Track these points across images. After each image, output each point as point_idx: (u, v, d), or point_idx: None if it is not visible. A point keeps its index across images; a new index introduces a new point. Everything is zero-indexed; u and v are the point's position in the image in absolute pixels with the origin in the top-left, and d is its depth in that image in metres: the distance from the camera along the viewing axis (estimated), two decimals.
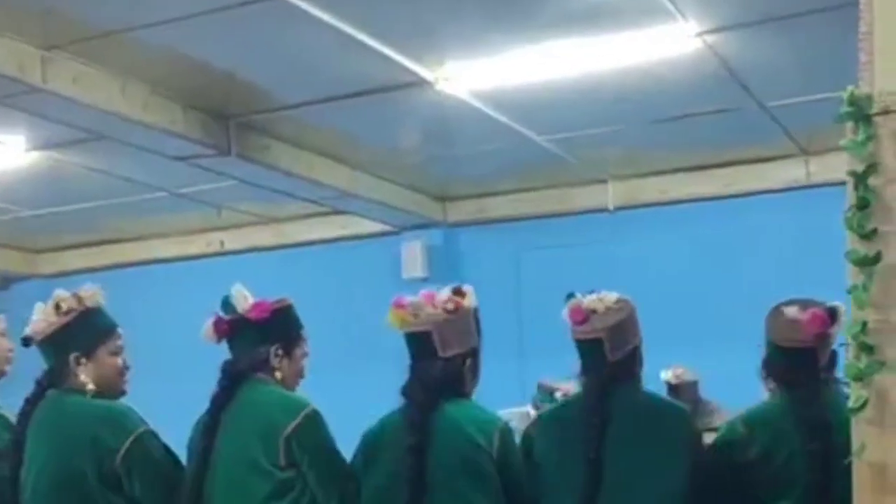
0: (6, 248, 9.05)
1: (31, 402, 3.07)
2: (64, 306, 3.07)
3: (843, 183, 7.95)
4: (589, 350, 3.05)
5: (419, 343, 3.01)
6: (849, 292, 2.29)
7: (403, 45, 5.17)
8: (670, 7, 4.77)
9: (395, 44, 5.14)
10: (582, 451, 2.89)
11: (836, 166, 7.30)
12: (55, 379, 3.08)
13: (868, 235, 2.26)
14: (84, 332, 3.09)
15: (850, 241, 2.30)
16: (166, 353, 8.32)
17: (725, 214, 7.30)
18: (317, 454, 2.99)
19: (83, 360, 3.06)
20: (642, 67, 5.41)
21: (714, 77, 5.58)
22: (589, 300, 3.06)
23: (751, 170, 7.26)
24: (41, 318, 3.07)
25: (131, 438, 2.95)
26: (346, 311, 7.58)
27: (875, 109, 2.30)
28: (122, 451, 2.94)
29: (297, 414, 2.97)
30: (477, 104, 5.94)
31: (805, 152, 7.04)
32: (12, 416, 3.19)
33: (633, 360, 3.10)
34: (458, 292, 3.04)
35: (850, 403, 2.24)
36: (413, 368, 3.03)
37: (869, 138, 2.28)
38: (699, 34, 5.04)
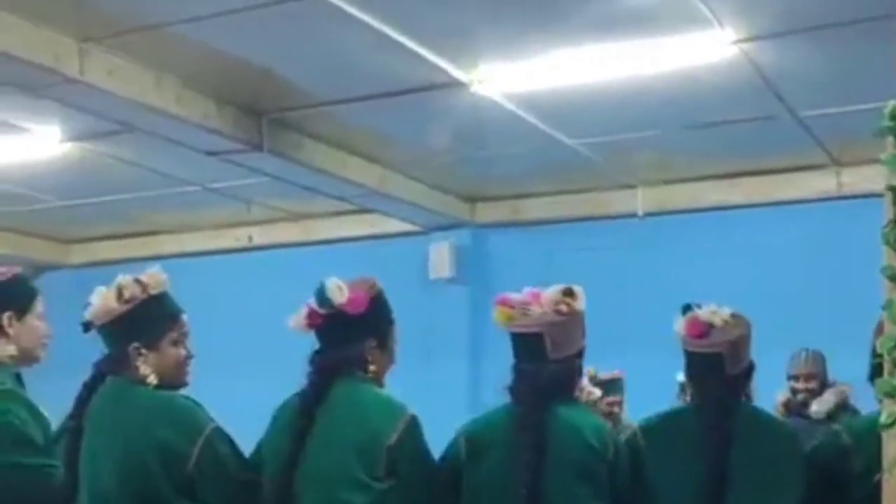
0: (37, 237, 9.12)
1: (89, 388, 2.93)
2: (126, 294, 2.92)
3: (874, 195, 7.89)
4: (705, 364, 3.01)
5: (528, 343, 2.95)
6: (884, 308, 2.26)
7: (439, 45, 5.18)
8: (708, 14, 4.75)
9: (431, 44, 5.15)
10: (702, 468, 2.84)
11: (869, 178, 7.34)
12: (115, 366, 2.93)
13: None
14: (146, 321, 2.93)
15: (887, 257, 2.27)
16: (197, 344, 8.38)
17: (755, 223, 7.26)
18: (416, 464, 2.89)
19: (144, 351, 2.91)
20: (677, 73, 5.39)
21: (748, 85, 5.55)
22: (705, 313, 3.04)
23: (781, 179, 7.22)
24: (101, 304, 2.92)
25: (201, 442, 2.79)
26: None
27: None
28: (194, 458, 2.79)
29: (399, 421, 2.86)
30: (510, 106, 5.93)
31: (837, 163, 6.99)
32: (41, 404, 3.10)
33: (746, 377, 3.09)
34: (568, 293, 2.97)
35: (882, 419, 2.21)
36: (520, 369, 2.97)
37: None
38: (736, 42, 5.02)
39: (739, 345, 3.01)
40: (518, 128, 6.27)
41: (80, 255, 9.26)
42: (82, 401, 2.91)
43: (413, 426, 2.87)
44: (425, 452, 2.96)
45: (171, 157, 6.69)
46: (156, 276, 3.00)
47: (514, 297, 2.99)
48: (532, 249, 7.82)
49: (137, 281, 2.96)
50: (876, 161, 7.53)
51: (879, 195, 7.58)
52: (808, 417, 5.43)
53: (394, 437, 2.82)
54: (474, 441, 2.99)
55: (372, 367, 2.96)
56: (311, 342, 3.04)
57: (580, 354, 3.03)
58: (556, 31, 5.00)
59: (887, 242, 2.24)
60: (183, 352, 3.02)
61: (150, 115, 5.58)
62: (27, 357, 3.10)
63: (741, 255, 7.17)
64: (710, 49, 5.10)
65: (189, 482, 2.79)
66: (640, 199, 7.56)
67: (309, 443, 2.85)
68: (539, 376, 2.90)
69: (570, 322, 2.94)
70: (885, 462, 2.21)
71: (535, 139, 6.50)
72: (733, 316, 3.05)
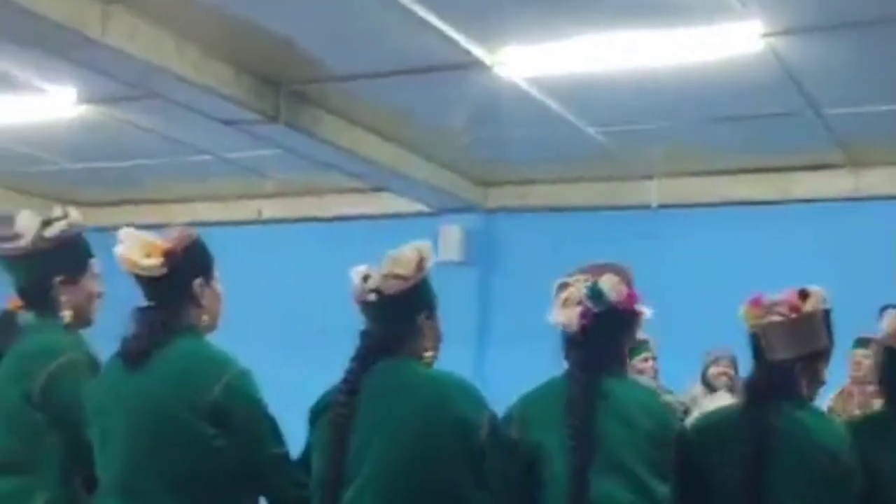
0: (47, 198, 9.05)
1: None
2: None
3: (891, 197, 7.85)
4: None
5: (751, 344, 2.87)
6: None
7: (465, 25, 5.12)
8: (737, 5, 4.70)
9: (457, 23, 5.09)
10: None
11: (887, 180, 7.28)
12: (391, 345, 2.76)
13: None
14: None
15: None
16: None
17: (768, 220, 7.23)
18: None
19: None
20: (702, 65, 5.35)
21: (773, 80, 5.51)
22: None
23: (798, 177, 7.20)
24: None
25: (488, 415, 2.68)
26: None
27: None
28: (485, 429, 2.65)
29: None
30: (531, 90, 5.88)
31: (855, 163, 6.96)
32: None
33: None
34: (803, 295, 2.84)
35: None
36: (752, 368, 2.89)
37: None
38: (764, 35, 4.97)
39: None
40: (537, 112, 6.22)
41: (89, 219, 9.14)
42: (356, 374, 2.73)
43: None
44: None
45: (187, 124, 6.64)
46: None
47: (768, 297, 2.88)
48: (542, 236, 7.79)
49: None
50: (894, 163, 7.51)
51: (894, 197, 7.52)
52: None
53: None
54: (707, 434, 2.91)
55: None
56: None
57: (813, 357, 2.86)
58: (582, 16, 4.95)
59: None
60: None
61: (169, 81, 5.53)
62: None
63: (753, 251, 7.13)
64: (737, 41, 5.05)
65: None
66: (655, 191, 7.52)
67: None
68: (755, 377, 2.85)
69: (792, 323, 2.82)
70: None
71: (553, 125, 6.45)
72: None
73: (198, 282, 2.78)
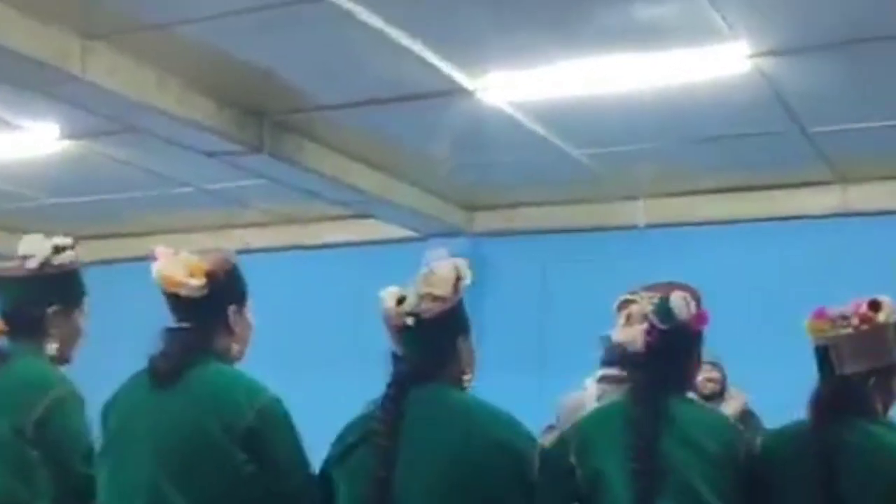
0: (24, 233, 8.97)
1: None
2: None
3: (880, 213, 7.85)
4: None
5: (818, 357, 2.76)
6: None
7: (446, 51, 5.09)
8: (724, 27, 4.68)
9: (438, 50, 5.06)
10: None
11: (874, 196, 7.28)
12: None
13: None
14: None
15: None
16: None
17: (757, 238, 7.20)
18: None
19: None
20: (688, 87, 5.33)
21: (759, 100, 5.49)
22: None
23: (785, 195, 7.17)
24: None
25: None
26: (366, 315, 7.50)
27: None
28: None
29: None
30: (515, 115, 5.85)
31: (843, 180, 6.95)
32: None
33: None
34: (874, 306, 2.74)
35: None
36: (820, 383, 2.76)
37: None
38: (751, 56, 4.95)
39: None
40: (522, 137, 6.19)
41: None
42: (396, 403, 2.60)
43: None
44: None
45: (168, 157, 6.59)
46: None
47: (834, 310, 2.80)
48: (530, 259, 7.75)
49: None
50: (882, 178, 7.55)
51: (885, 213, 7.57)
52: None
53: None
54: (773, 456, 2.78)
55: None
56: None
57: (887, 371, 2.76)
58: (566, 40, 4.92)
59: None
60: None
61: (152, 115, 5.48)
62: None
63: (742, 269, 7.11)
64: (723, 62, 5.03)
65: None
66: (642, 211, 7.50)
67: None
68: (823, 392, 2.72)
69: (863, 335, 2.72)
70: None
71: (538, 149, 6.42)
72: None
73: (233, 308, 2.72)
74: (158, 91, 5.37)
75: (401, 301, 2.60)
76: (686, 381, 2.82)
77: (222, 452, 2.53)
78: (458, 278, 2.64)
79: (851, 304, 2.76)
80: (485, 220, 8.12)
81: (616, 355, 5.35)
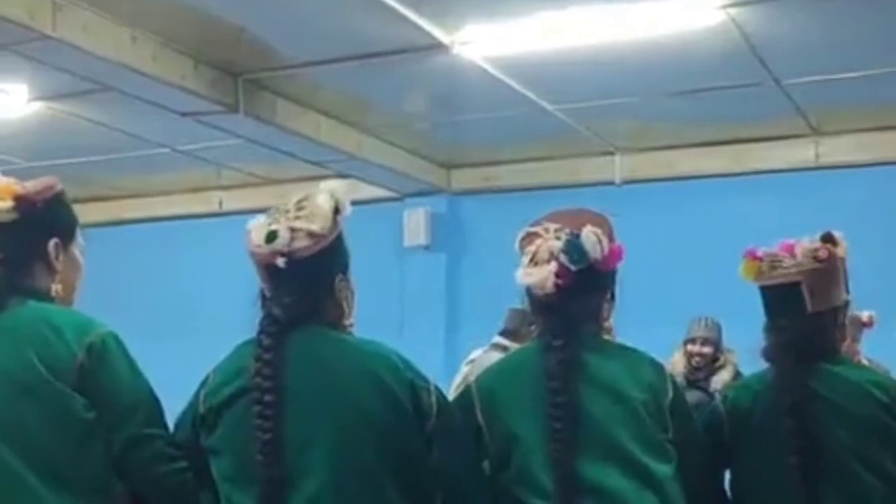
0: None
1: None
2: None
3: (852, 166, 7.90)
4: None
5: (783, 297, 2.60)
6: None
7: (421, 5, 5.05)
8: None
9: (412, 4, 5.02)
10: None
11: (847, 149, 7.31)
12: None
13: None
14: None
15: None
16: (163, 311, 8.25)
17: (732, 192, 7.24)
18: None
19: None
20: (663, 39, 5.32)
21: (733, 51, 5.49)
22: None
23: (760, 148, 7.20)
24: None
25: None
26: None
27: None
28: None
29: None
30: (492, 70, 5.83)
31: (816, 133, 6.97)
32: None
33: None
34: (828, 239, 2.63)
35: None
36: (774, 327, 2.61)
37: None
38: (724, 6, 4.95)
39: None
40: (499, 92, 6.18)
41: None
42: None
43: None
44: None
45: (143, 118, 6.53)
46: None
47: (764, 249, 2.66)
48: (508, 217, 7.68)
49: None
50: (854, 131, 7.59)
51: (857, 166, 7.62)
52: (707, 391, 5.63)
53: None
54: (738, 412, 2.67)
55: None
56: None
57: (844, 309, 2.68)
58: None
59: None
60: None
61: (126, 74, 5.41)
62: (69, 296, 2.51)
63: (718, 223, 7.15)
64: (697, 14, 5.03)
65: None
66: (618, 167, 7.52)
67: None
68: (797, 331, 2.56)
69: (830, 270, 2.61)
70: None
71: (515, 104, 6.41)
72: None
73: (54, 242, 2.40)
74: (132, 50, 5.31)
75: (271, 238, 2.24)
76: (600, 322, 2.49)
77: (53, 399, 2.23)
78: (337, 210, 2.30)
79: (781, 245, 2.66)
80: (462, 179, 8.12)
81: (514, 325, 5.36)
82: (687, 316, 6.16)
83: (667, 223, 7.34)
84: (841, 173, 6.98)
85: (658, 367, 2.49)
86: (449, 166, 8.05)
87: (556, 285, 2.36)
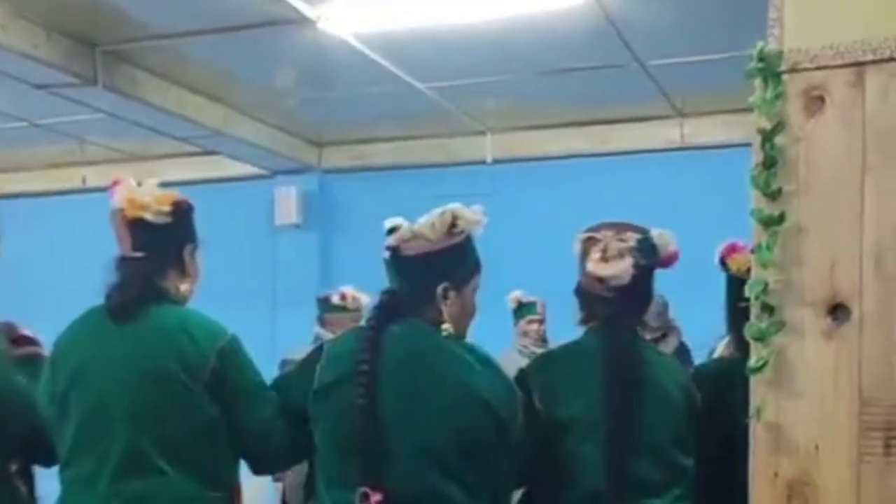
0: None
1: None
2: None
3: (715, 146, 8.05)
4: None
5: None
6: (753, 251, 2.25)
7: None
8: None
9: None
10: None
11: (710, 130, 7.46)
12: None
13: (773, 195, 2.21)
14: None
15: (756, 201, 2.25)
16: (26, 292, 7.95)
17: (601, 172, 7.32)
18: None
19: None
20: (529, 18, 5.33)
21: (598, 32, 5.52)
22: None
23: (627, 129, 7.31)
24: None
25: None
26: (216, 255, 7.36)
27: (784, 66, 2.23)
28: None
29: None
30: (359, 47, 5.75)
31: (680, 114, 7.10)
32: None
33: None
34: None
35: (751, 363, 2.20)
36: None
37: (777, 96, 2.22)
38: None
39: None
40: (367, 69, 6.11)
41: None
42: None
43: None
44: None
45: None
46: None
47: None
48: (380, 196, 7.69)
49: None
50: (717, 112, 7.73)
51: (720, 147, 7.78)
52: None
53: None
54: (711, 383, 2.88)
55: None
56: None
57: None
58: None
59: (756, 186, 2.21)
60: None
61: None
62: None
63: (587, 203, 7.19)
64: None
65: None
66: (489, 146, 7.53)
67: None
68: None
69: None
70: (752, 407, 2.21)
71: (384, 82, 6.35)
72: None
73: (189, 248, 2.73)
74: None
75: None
76: (642, 319, 2.84)
77: (184, 395, 2.54)
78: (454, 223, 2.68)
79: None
80: (333, 157, 8.04)
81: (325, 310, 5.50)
82: (554, 292, 6.21)
83: (536, 202, 7.40)
84: (706, 154, 7.12)
85: (683, 368, 2.87)
86: (319, 144, 7.96)
87: (634, 277, 2.66)
